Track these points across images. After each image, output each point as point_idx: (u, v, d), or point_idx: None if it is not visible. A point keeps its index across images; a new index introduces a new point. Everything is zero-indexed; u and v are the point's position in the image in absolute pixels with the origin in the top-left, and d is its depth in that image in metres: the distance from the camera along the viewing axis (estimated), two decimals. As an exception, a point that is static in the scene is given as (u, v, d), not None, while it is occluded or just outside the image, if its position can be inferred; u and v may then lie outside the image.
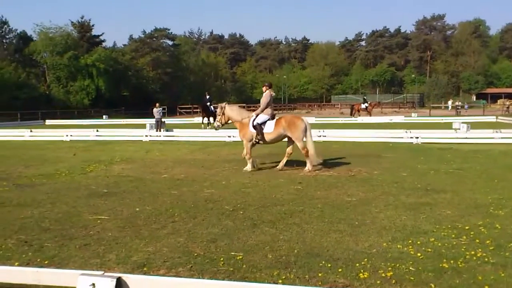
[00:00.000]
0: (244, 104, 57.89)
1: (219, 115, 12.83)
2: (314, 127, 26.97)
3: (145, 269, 4.92)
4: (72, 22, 76.99)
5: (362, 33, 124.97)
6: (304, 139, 11.85)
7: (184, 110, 69.25)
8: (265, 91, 12.19)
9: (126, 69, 78.19)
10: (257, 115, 12.03)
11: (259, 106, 12.16)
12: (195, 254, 5.38)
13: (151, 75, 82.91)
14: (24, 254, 5.51)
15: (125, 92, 77.20)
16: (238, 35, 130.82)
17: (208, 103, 31.10)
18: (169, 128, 27.63)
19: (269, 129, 11.87)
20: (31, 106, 57.12)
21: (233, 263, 5.09)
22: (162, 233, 6.29)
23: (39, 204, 8.25)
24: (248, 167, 12.07)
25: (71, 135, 24.22)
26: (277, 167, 12.14)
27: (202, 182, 10.40)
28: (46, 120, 49.27)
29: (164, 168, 12.80)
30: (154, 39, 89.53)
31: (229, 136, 21.70)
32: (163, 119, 28.08)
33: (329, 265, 5.00)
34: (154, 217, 7.16)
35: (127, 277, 3.57)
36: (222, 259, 5.20)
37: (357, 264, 5.01)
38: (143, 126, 29.14)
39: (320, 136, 21.02)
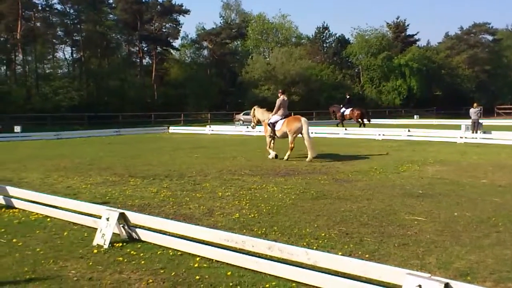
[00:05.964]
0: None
1: (252, 117, 16.39)
2: None
3: (468, 278, 4.64)
4: (387, 23, 78.65)
5: None
6: (300, 135, 14.63)
7: (502, 111, 63.88)
8: (280, 96, 15.12)
9: (440, 68, 76.00)
10: (272, 116, 15.06)
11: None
12: (527, 271, 4.82)
13: (466, 73, 78.54)
14: (346, 245, 5.82)
15: (437, 92, 75.31)
16: None
17: (341, 105, 32.28)
18: (487, 130, 25.66)
19: (278, 127, 14.78)
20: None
21: None
22: (485, 242, 5.84)
23: (356, 199, 8.66)
24: (271, 155, 15.08)
25: (383, 134, 24.84)
26: (307, 159, 14.41)
27: (529, 191, 9.31)
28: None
29: (482, 172, 11.93)
30: (472, 35, 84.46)
31: None
32: (480, 120, 26.24)
33: None
34: (474, 224, 6.71)
35: (456, 284, 3.39)
36: (561, 282, 4.53)
37: None
38: (456, 127, 27.90)
39: None
